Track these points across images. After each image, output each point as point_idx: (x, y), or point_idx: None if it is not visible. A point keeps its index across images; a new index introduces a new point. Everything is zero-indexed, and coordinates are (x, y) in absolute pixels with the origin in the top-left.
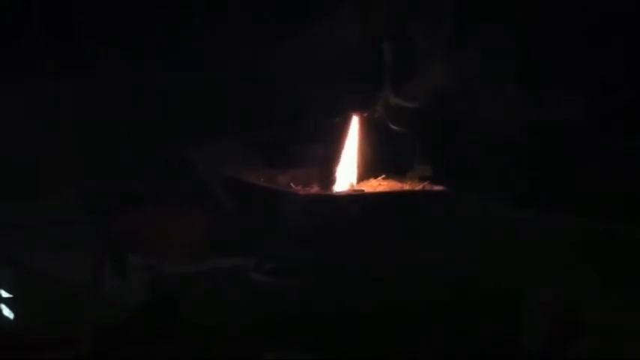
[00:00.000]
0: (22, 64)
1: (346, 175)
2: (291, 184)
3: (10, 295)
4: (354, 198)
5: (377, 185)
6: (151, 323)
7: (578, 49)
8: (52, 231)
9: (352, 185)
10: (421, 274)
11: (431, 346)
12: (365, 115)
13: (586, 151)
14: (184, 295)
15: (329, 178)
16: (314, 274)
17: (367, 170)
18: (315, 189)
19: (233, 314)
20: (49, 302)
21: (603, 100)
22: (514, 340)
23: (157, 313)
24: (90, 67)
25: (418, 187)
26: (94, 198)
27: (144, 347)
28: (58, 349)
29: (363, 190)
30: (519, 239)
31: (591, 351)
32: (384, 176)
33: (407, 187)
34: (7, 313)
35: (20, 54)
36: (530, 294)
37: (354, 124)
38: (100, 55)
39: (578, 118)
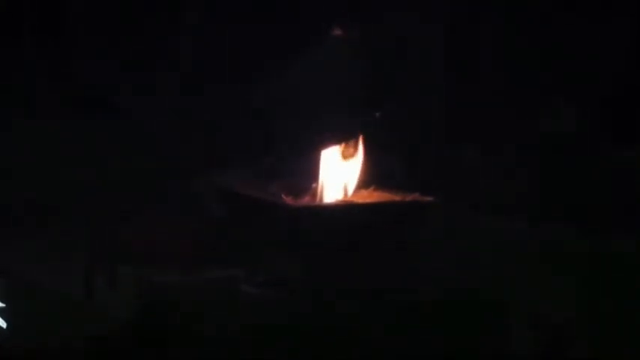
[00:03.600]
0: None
1: (337, 186)
2: (282, 195)
3: (3, 305)
4: (344, 209)
5: (367, 196)
6: (141, 334)
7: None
8: (44, 241)
9: (343, 196)
10: (410, 284)
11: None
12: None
13: (580, 163)
14: (175, 306)
15: (320, 189)
16: (304, 286)
17: (358, 181)
18: (305, 200)
19: (224, 326)
20: (41, 313)
21: (602, 111)
22: (504, 351)
23: (148, 324)
24: (88, 76)
25: (408, 198)
26: (87, 208)
27: (135, 358)
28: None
29: (353, 201)
30: (509, 250)
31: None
32: (374, 187)
33: (397, 198)
34: (0, 323)
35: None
36: (520, 305)
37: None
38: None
39: (575, 129)
